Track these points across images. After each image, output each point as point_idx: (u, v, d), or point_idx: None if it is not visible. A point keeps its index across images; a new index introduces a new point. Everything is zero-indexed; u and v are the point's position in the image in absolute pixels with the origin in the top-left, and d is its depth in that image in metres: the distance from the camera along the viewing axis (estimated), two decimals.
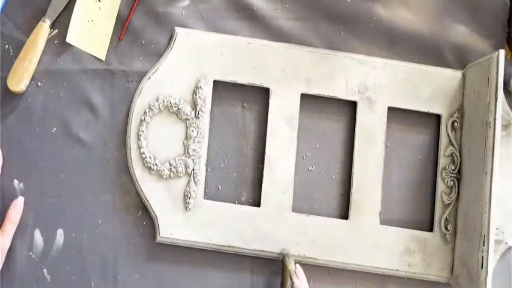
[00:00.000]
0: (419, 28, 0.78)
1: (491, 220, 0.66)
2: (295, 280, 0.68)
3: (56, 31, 0.76)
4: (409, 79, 0.76)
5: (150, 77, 0.75)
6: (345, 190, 0.77)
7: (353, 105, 0.77)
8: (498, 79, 0.68)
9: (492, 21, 0.79)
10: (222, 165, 0.76)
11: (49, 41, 0.75)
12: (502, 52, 0.68)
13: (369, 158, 0.75)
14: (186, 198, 0.73)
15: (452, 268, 0.74)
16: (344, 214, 0.76)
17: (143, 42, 0.77)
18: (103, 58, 0.76)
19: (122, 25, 0.76)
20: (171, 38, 0.76)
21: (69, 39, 0.74)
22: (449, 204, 0.75)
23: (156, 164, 0.73)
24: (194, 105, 0.75)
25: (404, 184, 0.77)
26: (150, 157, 0.74)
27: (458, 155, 0.76)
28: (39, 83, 0.75)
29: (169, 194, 0.74)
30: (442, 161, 0.76)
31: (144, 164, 0.74)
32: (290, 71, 0.75)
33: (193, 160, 0.74)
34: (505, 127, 0.75)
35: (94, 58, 0.76)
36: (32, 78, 0.75)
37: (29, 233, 0.74)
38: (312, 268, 0.75)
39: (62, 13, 0.76)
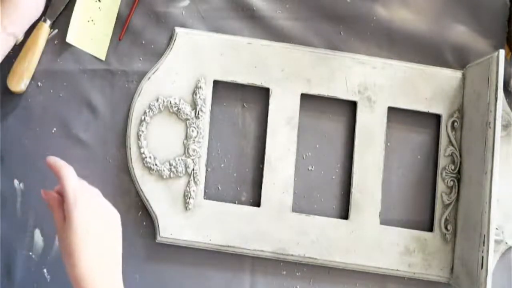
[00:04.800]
0: (419, 28, 0.78)
1: (491, 220, 0.66)
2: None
3: (56, 31, 0.76)
4: (409, 79, 0.76)
5: (150, 77, 0.75)
6: (345, 190, 0.77)
7: (353, 105, 0.77)
8: (498, 79, 0.68)
9: (492, 21, 0.79)
10: (222, 165, 0.76)
11: (49, 41, 0.75)
12: (502, 52, 0.68)
13: (369, 158, 0.75)
14: (186, 198, 0.73)
15: (452, 268, 0.74)
16: (344, 214, 0.76)
17: (143, 42, 0.77)
18: (103, 58, 0.76)
19: (122, 25, 0.76)
20: (171, 38, 0.76)
21: (69, 39, 0.74)
22: (449, 204, 0.75)
23: (156, 164, 0.73)
24: (194, 105, 0.75)
25: (404, 184, 0.77)
26: (150, 157, 0.74)
27: (458, 155, 0.76)
28: (39, 83, 0.75)
29: (169, 194, 0.74)
30: (442, 161, 0.76)
31: (144, 164, 0.74)
32: (290, 71, 0.75)
33: (193, 160, 0.74)
34: (505, 127, 0.75)
35: (94, 58, 0.76)
36: (32, 78, 0.75)
37: (29, 233, 0.74)
38: (312, 268, 0.75)
39: (62, 13, 0.76)
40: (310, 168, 0.77)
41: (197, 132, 0.74)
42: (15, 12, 0.68)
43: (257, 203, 0.75)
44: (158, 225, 0.73)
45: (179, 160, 0.74)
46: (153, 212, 0.73)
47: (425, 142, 0.78)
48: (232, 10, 0.78)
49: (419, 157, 0.78)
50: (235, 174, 0.76)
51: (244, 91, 0.77)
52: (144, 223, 0.75)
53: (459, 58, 0.78)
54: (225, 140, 0.77)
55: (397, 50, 0.78)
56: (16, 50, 0.74)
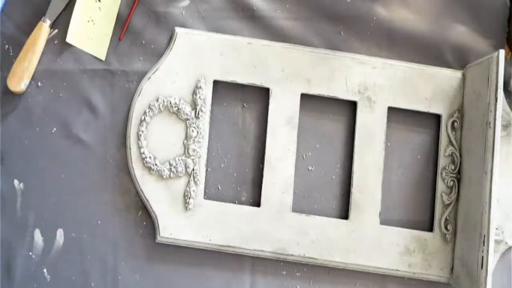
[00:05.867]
0: (419, 28, 0.78)
1: (491, 220, 0.66)
2: None
3: (56, 31, 0.76)
4: (409, 79, 0.76)
5: (150, 77, 0.75)
6: (345, 190, 0.77)
7: (353, 105, 0.77)
8: (498, 79, 0.68)
9: (492, 21, 0.79)
10: (222, 165, 0.76)
11: (49, 41, 0.75)
12: (502, 52, 0.68)
13: (369, 158, 0.75)
14: (186, 198, 0.73)
15: (452, 268, 0.74)
16: (344, 214, 0.76)
17: (143, 42, 0.77)
18: (103, 58, 0.76)
19: (122, 25, 0.76)
20: (171, 38, 0.76)
21: (69, 39, 0.74)
22: (449, 204, 0.75)
23: (156, 164, 0.73)
24: (194, 105, 0.75)
25: (404, 184, 0.77)
26: (150, 157, 0.74)
27: (458, 155, 0.76)
28: (39, 83, 0.75)
29: (169, 194, 0.74)
30: (442, 161, 0.76)
31: (144, 164, 0.74)
32: (290, 71, 0.75)
33: (193, 160, 0.74)
34: (505, 127, 0.75)
35: (94, 58, 0.76)
36: (32, 78, 0.75)
37: (29, 233, 0.74)
38: (312, 268, 0.75)
39: (62, 13, 0.76)
40: (310, 168, 0.77)
41: (197, 132, 0.74)
42: None
43: (257, 203, 0.75)
44: (158, 225, 0.73)
45: (179, 160, 0.74)
46: (153, 212, 0.73)
47: (425, 142, 0.78)
48: (232, 10, 0.78)
49: (419, 157, 0.78)
50: (235, 174, 0.76)
51: (244, 91, 0.77)
52: (144, 223, 0.75)
53: (459, 58, 0.78)
54: (225, 140, 0.77)
55: (397, 50, 0.78)
56: (16, 50, 0.74)
